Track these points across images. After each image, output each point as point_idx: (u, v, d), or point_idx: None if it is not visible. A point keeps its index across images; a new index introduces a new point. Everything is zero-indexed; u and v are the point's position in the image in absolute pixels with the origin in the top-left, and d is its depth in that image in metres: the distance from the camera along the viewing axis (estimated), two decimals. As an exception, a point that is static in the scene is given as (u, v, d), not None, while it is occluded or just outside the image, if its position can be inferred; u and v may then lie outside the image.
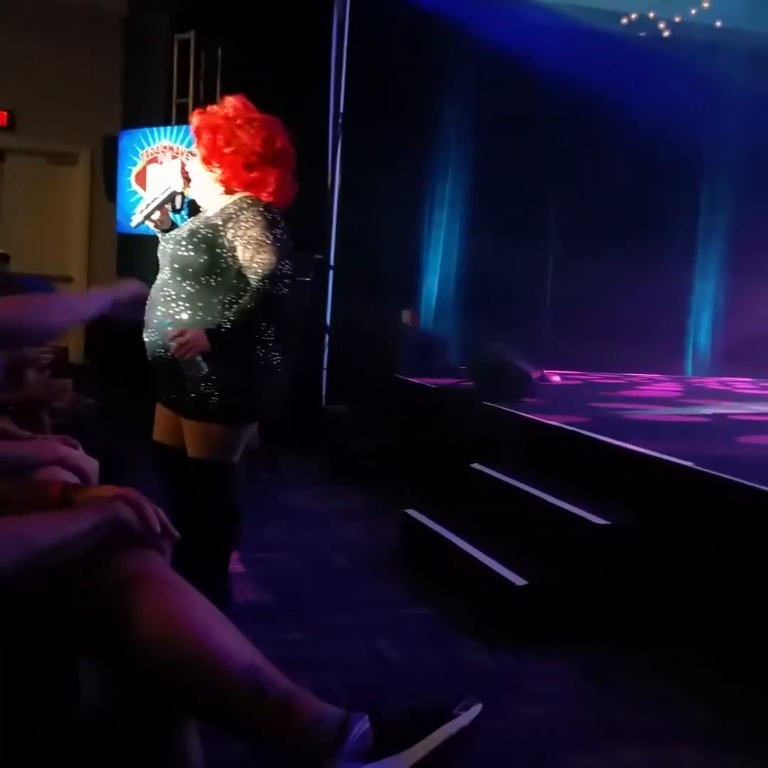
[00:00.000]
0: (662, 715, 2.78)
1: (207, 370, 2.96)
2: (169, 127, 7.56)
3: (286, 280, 3.00)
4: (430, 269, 7.46)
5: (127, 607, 1.64)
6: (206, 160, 3.13)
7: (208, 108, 3.20)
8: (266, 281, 2.95)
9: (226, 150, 3.08)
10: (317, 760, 1.67)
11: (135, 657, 1.64)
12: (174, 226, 3.27)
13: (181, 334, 2.94)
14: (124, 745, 1.71)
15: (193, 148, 3.22)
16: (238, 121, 3.09)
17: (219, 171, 3.12)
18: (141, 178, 7.76)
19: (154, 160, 7.67)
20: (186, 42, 7.73)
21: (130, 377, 4.31)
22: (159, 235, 3.25)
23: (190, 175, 3.20)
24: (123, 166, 7.91)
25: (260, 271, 2.96)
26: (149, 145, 7.76)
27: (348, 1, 6.86)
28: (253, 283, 2.98)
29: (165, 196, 3.24)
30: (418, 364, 6.38)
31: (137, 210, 3.28)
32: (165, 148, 7.55)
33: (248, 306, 2.96)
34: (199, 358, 2.94)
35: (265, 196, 3.11)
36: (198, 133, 3.14)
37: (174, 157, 7.14)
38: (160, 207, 3.23)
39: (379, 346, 6.60)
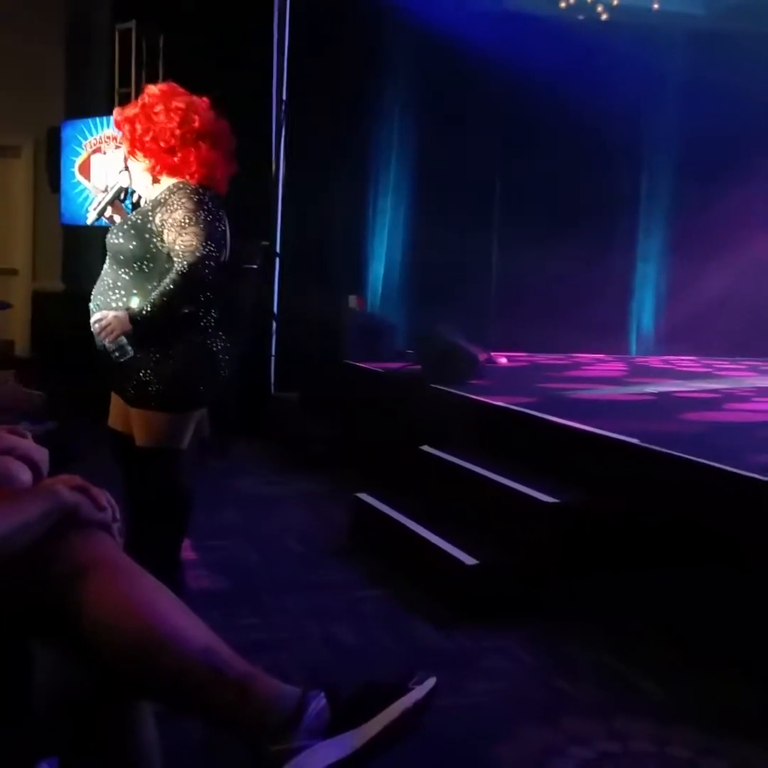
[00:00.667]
0: (613, 689, 2.84)
1: (131, 353, 2.96)
2: (112, 117, 7.48)
3: (209, 262, 2.96)
4: (376, 254, 7.48)
5: (79, 593, 1.64)
6: (130, 151, 3.14)
7: (130, 101, 3.22)
8: (187, 262, 2.95)
9: (146, 138, 3.07)
10: (274, 738, 1.69)
11: (89, 642, 1.64)
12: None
13: (103, 317, 2.96)
14: (80, 729, 1.71)
15: (120, 140, 3.24)
16: (157, 108, 3.07)
17: (144, 161, 3.12)
18: (85, 169, 7.68)
19: (97, 150, 7.60)
20: (127, 31, 7.66)
21: (77, 368, 4.28)
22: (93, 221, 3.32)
23: (130, 168, 3.22)
24: (66, 157, 7.82)
25: (182, 252, 2.95)
26: (92, 135, 7.68)
27: (289, -12, 6.84)
28: (176, 264, 2.97)
29: (114, 192, 3.28)
30: (366, 349, 6.40)
31: (91, 207, 3.34)
32: (108, 138, 7.48)
33: (169, 287, 2.93)
34: (125, 341, 2.94)
35: (191, 179, 3.08)
36: (119, 126, 3.14)
37: (117, 147, 7.07)
38: (111, 203, 3.28)
39: (326, 332, 6.62)
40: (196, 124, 3.08)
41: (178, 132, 3.06)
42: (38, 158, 8.62)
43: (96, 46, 8.51)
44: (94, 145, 7.67)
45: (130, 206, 3.37)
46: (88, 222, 3.39)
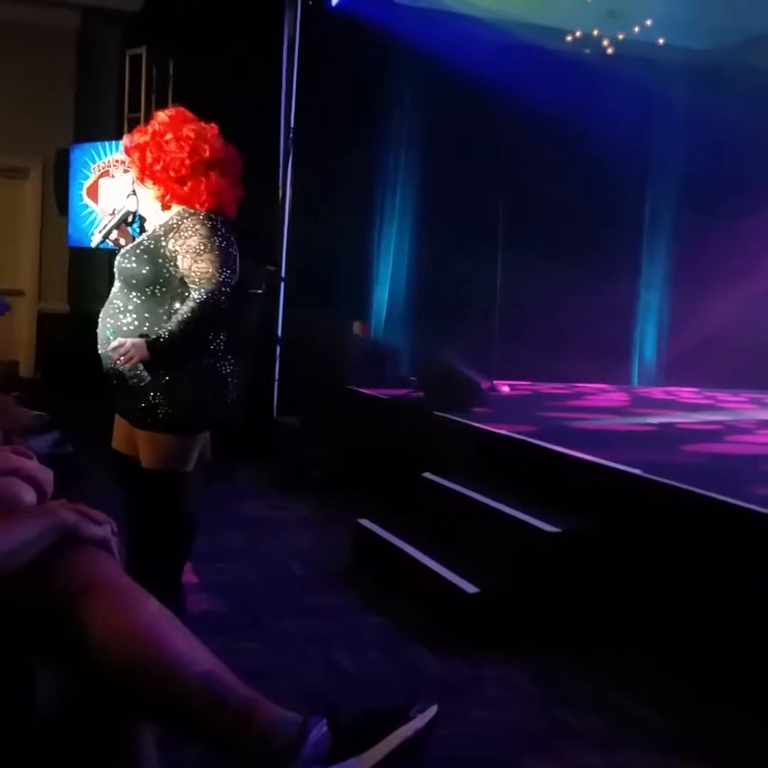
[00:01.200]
0: (613, 719, 2.82)
1: (149, 378, 2.98)
2: (120, 142, 7.55)
3: (225, 288, 3.01)
4: (381, 281, 7.52)
5: (81, 614, 1.64)
6: (140, 179, 3.15)
7: (140, 126, 3.22)
8: (204, 289, 2.97)
9: (156, 167, 3.09)
10: (275, 764, 1.69)
11: (91, 664, 1.64)
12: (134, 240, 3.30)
13: (121, 344, 2.97)
14: (81, 751, 1.71)
15: (129, 166, 3.23)
16: (167, 137, 3.09)
17: (154, 188, 3.13)
18: (93, 192, 7.73)
19: (105, 174, 7.65)
20: (137, 57, 7.75)
21: (82, 390, 4.30)
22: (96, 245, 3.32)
23: (138, 193, 3.23)
24: (75, 180, 7.88)
25: (198, 279, 2.98)
26: (101, 159, 7.74)
27: (298, 17, 6.92)
28: (193, 291, 2.99)
29: (121, 216, 3.28)
30: (369, 375, 6.42)
31: (96, 230, 3.34)
32: (117, 162, 7.54)
33: (187, 315, 2.97)
34: (141, 367, 2.97)
35: (201, 207, 3.10)
36: (129, 153, 3.15)
37: (126, 171, 7.12)
38: (117, 226, 3.29)
39: (330, 357, 6.64)
40: (207, 154, 3.10)
41: (188, 162, 3.08)
42: (46, 180, 8.69)
43: (106, 70, 8.62)
44: (103, 168, 7.73)
45: (137, 230, 3.39)
46: (92, 244, 3.38)
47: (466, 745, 2.59)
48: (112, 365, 3.05)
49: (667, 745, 2.67)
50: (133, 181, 3.23)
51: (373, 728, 1.78)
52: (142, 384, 2.99)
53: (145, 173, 3.12)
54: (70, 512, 1.74)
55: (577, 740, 2.69)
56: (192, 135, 3.10)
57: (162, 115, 3.17)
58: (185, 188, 3.09)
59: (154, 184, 3.12)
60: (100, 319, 3.15)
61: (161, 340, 2.96)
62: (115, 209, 3.35)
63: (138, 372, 2.98)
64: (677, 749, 2.64)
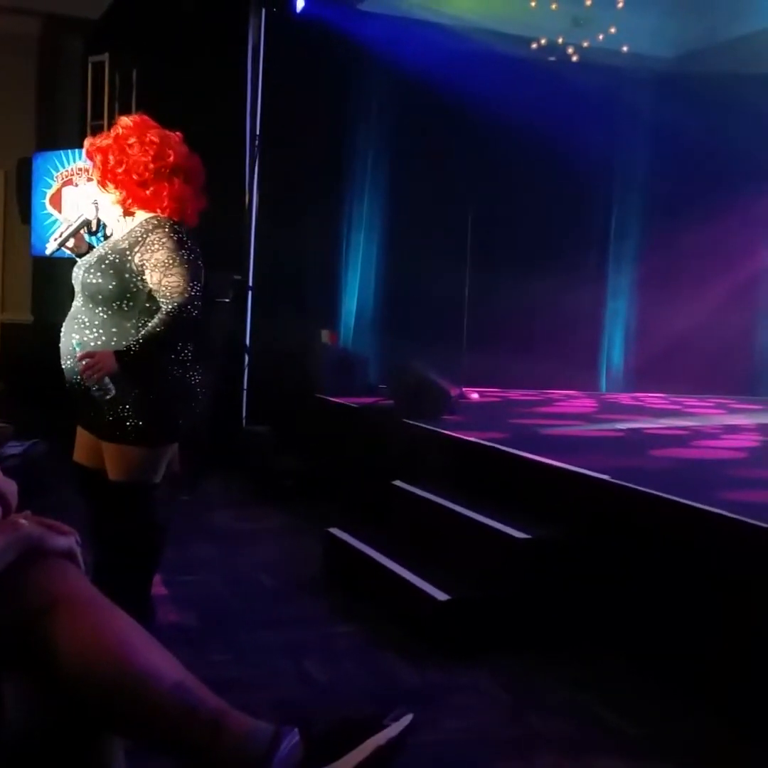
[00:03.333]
0: (585, 725, 2.82)
1: (114, 391, 2.94)
2: (83, 150, 7.48)
3: (196, 302, 2.99)
4: (349, 289, 7.51)
5: (49, 628, 1.62)
6: (102, 182, 3.11)
7: (103, 131, 3.19)
8: (175, 304, 2.95)
9: (119, 170, 3.05)
10: None
11: (60, 677, 1.62)
12: (91, 248, 3.24)
13: (89, 355, 2.93)
14: (48, 764, 1.69)
15: (92, 173, 3.19)
16: (130, 140, 3.05)
17: (116, 192, 3.09)
18: (56, 201, 7.66)
19: (69, 183, 7.59)
20: (100, 64, 7.69)
21: (46, 400, 4.25)
22: (76, 258, 3.23)
23: (99, 200, 3.18)
24: (37, 189, 7.80)
25: (169, 293, 2.95)
26: (64, 167, 7.67)
27: (263, 24, 6.91)
28: (163, 305, 2.96)
29: (78, 223, 3.20)
30: (339, 384, 6.41)
31: (51, 238, 3.25)
32: (80, 170, 7.47)
33: (159, 329, 2.93)
34: (107, 380, 2.92)
35: (162, 212, 3.08)
36: (90, 156, 3.11)
37: (89, 180, 7.06)
38: (73, 234, 3.20)
39: (299, 366, 6.61)
40: (171, 159, 3.08)
41: (151, 166, 3.05)
42: (8, 189, 8.58)
43: (68, 78, 8.52)
44: (66, 177, 7.66)
45: (100, 239, 3.34)
46: (47, 252, 3.28)
47: (437, 753, 2.58)
48: (78, 378, 3.01)
49: (638, 751, 2.68)
50: (96, 187, 3.19)
51: (346, 737, 1.77)
52: (107, 397, 2.95)
53: (106, 177, 3.08)
54: (34, 525, 1.71)
55: (548, 747, 2.69)
56: (156, 140, 3.07)
57: (126, 120, 3.14)
58: (147, 192, 3.06)
59: (116, 187, 3.08)
60: (62, 334, 3.10)
61: (130, 352, 2.93)
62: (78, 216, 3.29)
63: (105, 384, 2.93)
64: (648, 755, 2.65)
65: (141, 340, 2.93)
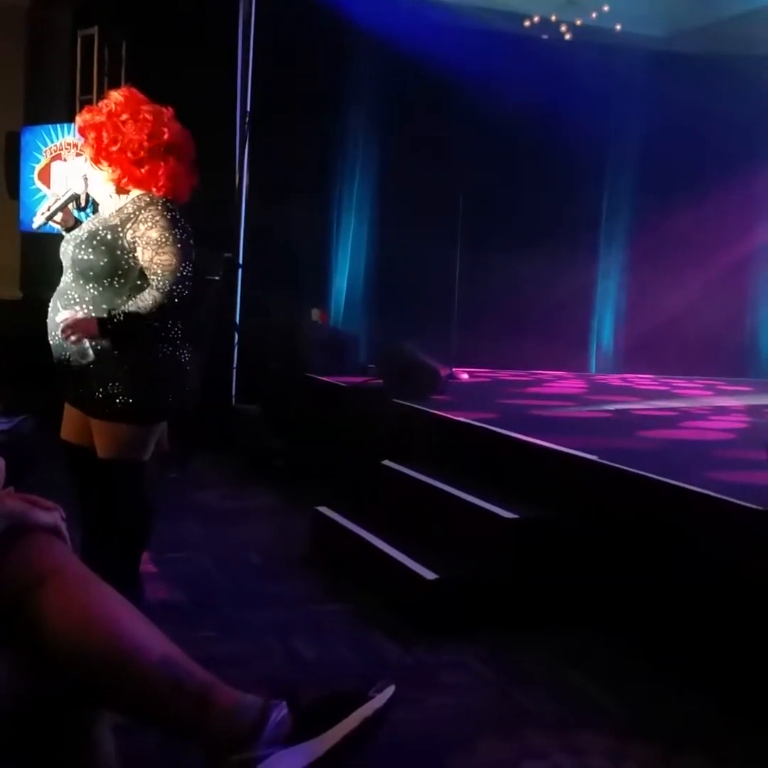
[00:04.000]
0: (571, 703, 2.85)
1: (93, 357, 2.93)
2: (72, 124, 7.41)
3: (187, 282, 2.98)
4: (339, 268, 7.50)
5: (37, 603, 1.63)
6: (95, 160, 3.06)
7: (93, 106, 3.12)
8: (168, 281, 2.93)
9: (113, 148, 3.01)
10: (235, 748, 1.69)
11: (48, 652, 1.63)
12: (78, 223, 3.22)
13: (72, 318, 2.92)
14: (37, 740, 1.70)
15: (82, 147, 3.14)
16: (123, 117, 3.01)
17: (109, 170, 3.05)
18: (44, 176, 7.60)
19: (57, 157, 7.53)
20: (89, 37, 7.61)
21: (36, 377, 4.24)
22: (64, 233, 3.20)
23: (88, 176, 3.14)
24: (26, 164, 7.74)
25: (161, 271, 2.94)
26: (53, 142, 7.61)
27: (254, -1, 6.85)
28: (155, 281, 2.95)
29: (66, 198, 3.16)
30: (329, 363, 6.40)
31: (39, 211, 3.20)
32: (69, 145, 7.42)
33: (147, 303, 2.91)
34: (87, 344, 2.92)
35: (157, 191, 3.05)
36: (83, 132, 3.06)
37: (78, 155, 7.01)
38: (62, 208, 3.16)
39: (289, 345, 6.61)
40: (166, 137, 3.05)
41: (146, 144, 3.02)
42: (-4, 164, 8.52)
43: (57, 51, 8.44)
44: (54, 151, 7.61)
45: (89, 213, 3.31)
46: (34, 226, 3.24)
47: (424, 729, 2.61)
48: (66, 355, 3.00)
49: (623, 728, 2.70)
50: (87, 163, 3.15)
51: (333, 709, 1.79)
52: (84, 362, 2.93)
53: (100, 154, 3.04)
54: (17, 501, 1.71)
55: (533, 724, 2.71)
56: (150, 117, 3.04)
57: (116, 95, 3.08)
58: (142, 171, 3.03)
59: (110, 165, 3.05)
60: (50, 310, 3.08)
61: (115, 320, 2.91)
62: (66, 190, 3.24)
63: (83, 348, 2.92)
64: (633, 733, 2.67)
65: (126, 312, 2.92)
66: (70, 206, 3.20)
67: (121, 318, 2.92)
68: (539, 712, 2.80)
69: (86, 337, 2.92)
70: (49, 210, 3.15)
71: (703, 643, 2.99)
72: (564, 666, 3.10)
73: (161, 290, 2.92)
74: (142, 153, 3.02)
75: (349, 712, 1.77)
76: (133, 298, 2.95)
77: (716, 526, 3.05)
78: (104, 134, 3.02)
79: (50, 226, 3.22)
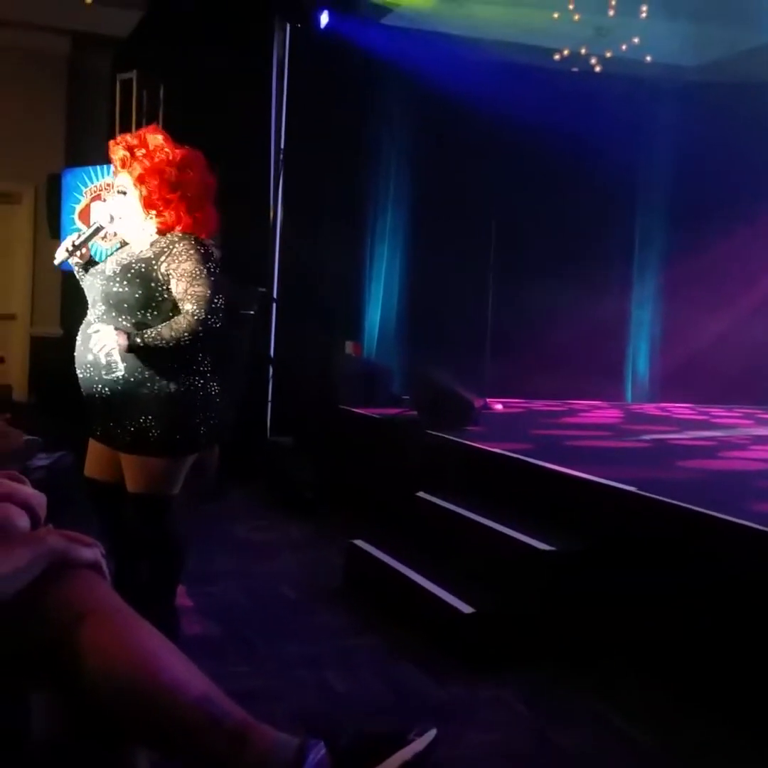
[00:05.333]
0: (607, 740, 2.80)
1: (123, 371, 2.96)
2: (111, 165, 7.55)
3: (219, 314, 3.01)
4: (373, 300, 7.54)
5: (76, 639, 1.64)
6: (152, 205, 3.08)
7: (138, 149, 3.08)
8: (203, 311, 2.96)
9: (171, 195, 3.06)
10: None
11: (86, 689, 1.64)
12: (92, 261, 3.25)
13: (103, 330, 2.95)
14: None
15: (120, 186, 3.13)
16: (180, 164, 3.07)
17: (165, 215, 3.08)
18: (84, 216, 7.74)
19: (97, 198, 7.66)
20: (128, 81, 7.78)
21: (75, 413, 4.29)
22: (78, 270, 3.21)
23: (119, 214, 3.13)
24: (67, 204, 7.88)
25: (195, 301, 2.97)
26: (92, 182, 7.76)
27: (287, 40, 6.96)
28: (190, 308, 2.96)
29: (91, 231, 3.18)
30: (362, 395, 6.42)
31: (62, 247, 3.18)
32: (108, 185, 7.53)
33: (180, 325, 2.94)
34: (116, 357, 2.95)
35: (203, 235, 3.10)
36: (144, 179, 3.07)
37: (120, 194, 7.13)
38: (85, 243, 3.18)
39: (322, 377, 6.64)
40: (209, 181, 3.14)
41: (200, 192, 3.10)
42: (38, 205, 8.70)
43: (97, 95, 8.64)
44: (94, 192, 7.74)
45: (111, 249, 3.31)
46: (55, 262, 3.22)
47: (460, 767, 2.57)
48: (96, 389, 3.03)
49: (660, 765, 2.65)
50: (115, 203, 3.15)
51: (372, 751, 1.77)
52: (114, 374, 2.96)
53: (160, 201, 3.07)
54: (58, 537, 1.73)
55: (569, 762, 2.67)
56: (196, 162, 3.11)
57: (160, 140, 3.10)
58: (194, 216, 3.09)
59: (165, 211, 3.08)
60: (79, 344, 3.11)
61: (145, 336, 2.95)
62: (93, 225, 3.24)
63: (113, 360, 2.95)
64: (671, 768, 2.63)
65: (159, 329, 2.96)
66: (88, 244, 3.22)
67: (151, 334, 2.96)
68: (576, 749, 2.75)
69: (111, 348, 2.94)
70: (73, 245, 3.15)
71: (742, 678, 2.93)
72: (601, 701, 3.05)
73: (196, 317, 2.96)
74: (196, 200, 3.09)
75: (389, 754, 1.76)
76: (168, 322, 2.99)
77: (757, 558, 3.01)
78: (164, 181, 3.05)
79: (67, 263, 3.23)
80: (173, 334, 2.95)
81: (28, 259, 8.89)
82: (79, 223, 7.79)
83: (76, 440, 4.04)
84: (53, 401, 7.32)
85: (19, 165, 8.45)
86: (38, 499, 1.90)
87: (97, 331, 2.97)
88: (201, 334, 2.97)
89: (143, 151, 3.09)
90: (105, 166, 7.51)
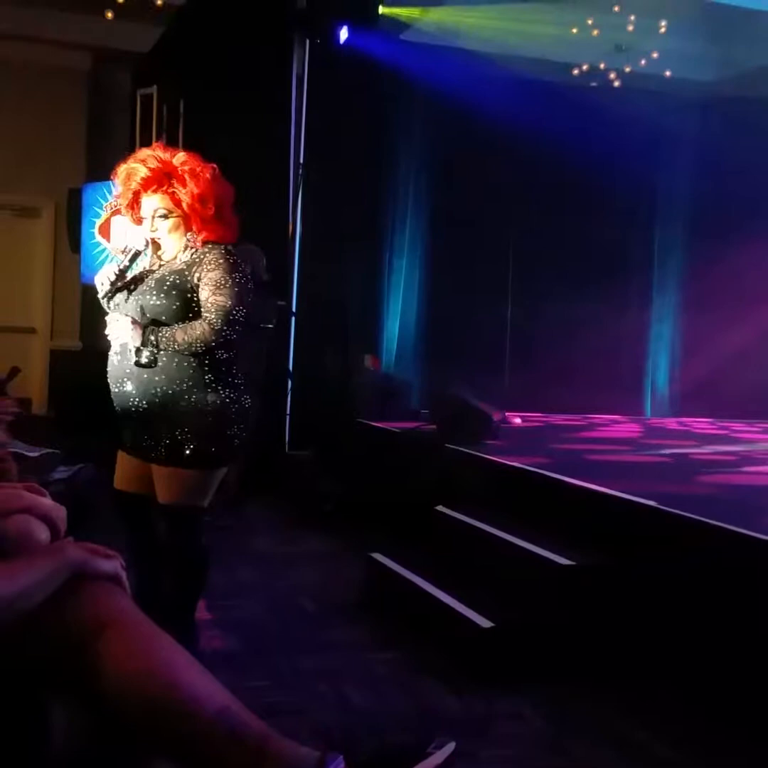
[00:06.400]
0: (627, 754, 2.79)
1: (152, 360, 2.99)
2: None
3: (237, 326, 3.03)
4: (391, 314, 7.55)
5: (97, 651, 1.64)
6: (196, 223, 3.10)
7: (173, 171, 3.07)
8: (220, 321, 2.98)
9: (211, 210, 3.10)
10: None
11: (107, 700, 1.64)
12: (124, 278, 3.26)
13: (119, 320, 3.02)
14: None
15: (160, 209, 3.10)
16: (212, 178, 3.10)
17: (204, 231, 3.11)
18: (105, 230, 7.80)
19: (117, 212, 7.71)
20: (148, 96, 7.85)
21: (94, 426, 4.31)
22: (103, 296, 3.18)
23: (161, 236, 3.13)
24: (87, 219, 7.95)
25: (214, 310, 3.00)
26: (113, 197, 7.80)
27: (307, 55, 7.00)
28: (208, 315, 2.99)
29: (129, 258, 3.18)
30: (381, 408, 6.43)
31: (105, 277, 3.16)
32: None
33: (195, 330, 2.97)
34: (148, 353, 2.99)
35: (231, 239, 3.16)
36: (187, 200, 3.05)
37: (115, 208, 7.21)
38: (125, 272, 3.18)
39: (341, 391, 6.65)
40: (231, 188, 3.17)
41: (230, 205, 3.15)
42: (59, 219, 8.77)
43: (117, 110, 8.72)
44: (115, 206, 7.79)
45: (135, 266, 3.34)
46: (101, 296, 3.18)
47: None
48: (132, 402, 3.05)
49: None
50: (154, 226, 3.13)
51: (391, 764, 1.77)
52: (143, 362, 3.00)
53: (204, 221, 3.10)
54: (78, 549, 1.74)
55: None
56: (220, 176, 3.14)
57: (181, 157, 3.11)
58: (223, 226, 3.14)
59: (204, 226, 3.11)
60: (116, 362, 3.11)
61: (158, 334, 2.98)
62: (126, 247, 3.26)
63: (141, 353, 3.00)
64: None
65: (170, 331, 2.98)
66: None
67: (166, 335, 2.98)
68: (595, 764, 2.74)
69: (127, 340, 2.99)
70: (116, 276, 3.15)
71: (763, 692, 2.91)
72: (620, 716, 3.03)
73: (212, 326, 2.98)
74: (224, 211, 3.13)
75: None
76: (184, 325, 3.00)
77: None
78: (206, 200, 3.07)
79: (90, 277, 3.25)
80: (186, 338, 2.98)
81: (48, 274, 8.97)
82: (99, 238, 7.85)
83: (97, 453, 4.06)
84: (73, 414, 7.37)
85: (39, 179, 8.54)
86: (58, 511, 1.91)
87: (117, 321, 3.01)
88: (212, 343, 2.99)
89: (177, 172, 3.09)
90: (125, 181, 7.56)
